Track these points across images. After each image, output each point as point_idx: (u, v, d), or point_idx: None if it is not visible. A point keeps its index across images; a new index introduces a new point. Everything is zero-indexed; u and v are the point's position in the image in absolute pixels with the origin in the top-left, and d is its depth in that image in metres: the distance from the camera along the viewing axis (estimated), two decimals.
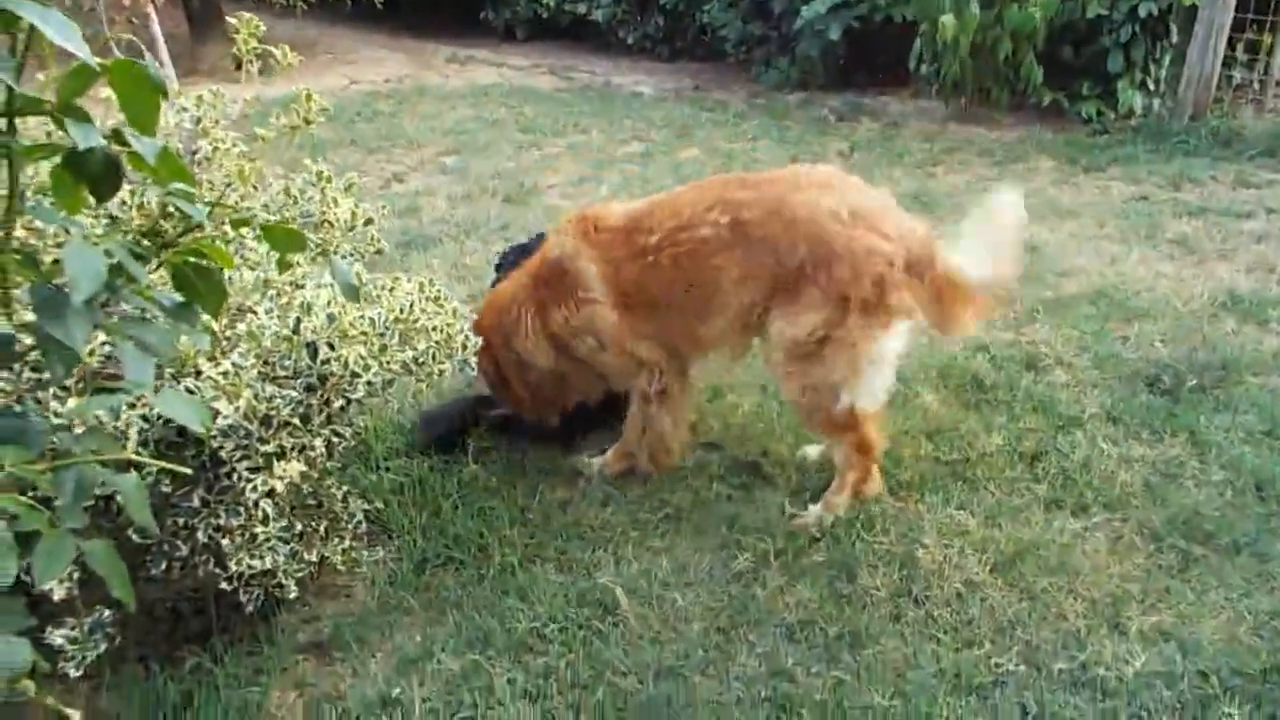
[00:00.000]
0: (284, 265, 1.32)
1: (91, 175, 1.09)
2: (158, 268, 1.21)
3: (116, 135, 1.13)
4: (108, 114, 1.77)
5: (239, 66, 3.10)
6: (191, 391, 2.38)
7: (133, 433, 2.22)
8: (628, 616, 2.93)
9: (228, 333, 2.58)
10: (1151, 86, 7.96)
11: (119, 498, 2.37)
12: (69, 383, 2.41)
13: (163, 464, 1.33)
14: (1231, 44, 7.86)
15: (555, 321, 3.48)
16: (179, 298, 1.32)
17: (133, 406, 2.31)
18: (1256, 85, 8.52)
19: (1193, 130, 7.64)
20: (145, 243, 1.21)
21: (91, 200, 1.12)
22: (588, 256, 3.37)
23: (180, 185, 1.16)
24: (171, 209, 1.19)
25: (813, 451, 3.68)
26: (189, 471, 1.89)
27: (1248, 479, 3.46)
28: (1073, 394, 4.07)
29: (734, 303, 3.26)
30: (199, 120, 3.10)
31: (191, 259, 1.27)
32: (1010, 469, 3.58)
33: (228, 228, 1.30)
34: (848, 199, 3.16)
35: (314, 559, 2.88)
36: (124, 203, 2.48)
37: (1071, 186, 6.78)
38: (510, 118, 8.85)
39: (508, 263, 4.22)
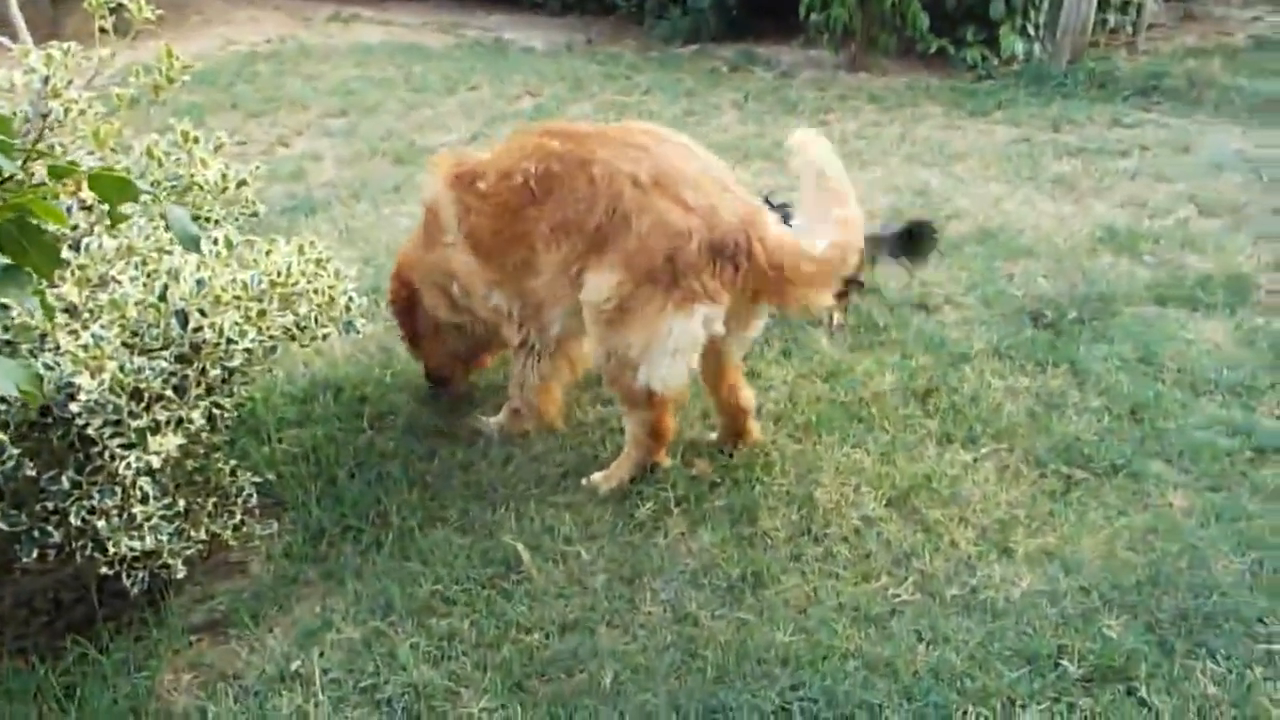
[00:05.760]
0: (117, 217, 1.23)
1: None
2: None
3: None
4: None
5: (103, 31, 2.92)
6: (50, 367, 2.25)
7: None
8: (531, 573, 2.91)
9: (89, 304, 2.44)
10: (1031, 32, 8.17)
11: None
12: None
13: None
14: None
15: (429, 266, 3.49)
16: (4, 260, 1.22)
17: None
18: (1129, 28, 8.84)
19: (1070, 73, 7.91)
20: None
21: None
22: (447, 199, 3.34)
23: None
24: None
25: None
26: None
27: (1123, 405, 3.62)
28: (962, 331, 4.18)
29: (552, 257, 3.11)
30: (48, 80, 2.90)
31: (16, 216, 1.18)
32: (904, 406, 3.67)
33: (48, 181, 1.20)
34: (657, 163, 2.96)
35: (203, 536, 2.78)
36: None
37: (957, 130, 6.93)
38: (399, 76, 8.58)
39: None
